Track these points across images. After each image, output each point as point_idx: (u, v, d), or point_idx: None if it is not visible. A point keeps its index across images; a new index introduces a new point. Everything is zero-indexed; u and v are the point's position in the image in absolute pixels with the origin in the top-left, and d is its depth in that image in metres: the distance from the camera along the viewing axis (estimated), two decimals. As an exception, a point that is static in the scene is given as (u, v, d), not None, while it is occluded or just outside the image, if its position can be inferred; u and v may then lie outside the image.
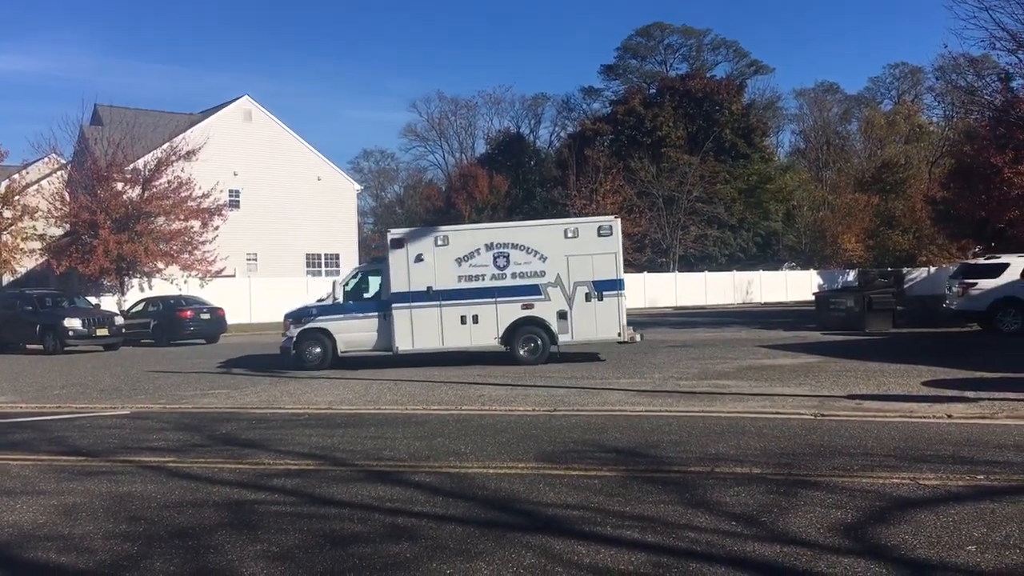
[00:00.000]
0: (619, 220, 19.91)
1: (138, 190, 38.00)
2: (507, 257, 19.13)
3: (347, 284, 20.13)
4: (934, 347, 20.71)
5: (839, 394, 12.94)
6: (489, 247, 19.20)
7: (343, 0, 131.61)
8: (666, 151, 64.96)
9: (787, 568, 5.34)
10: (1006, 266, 23.41)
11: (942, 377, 14.40)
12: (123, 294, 37.83)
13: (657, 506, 6.79)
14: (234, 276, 44.65)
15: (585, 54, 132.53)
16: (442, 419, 11.78)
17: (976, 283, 23.52)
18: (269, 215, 50.32)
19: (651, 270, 57.26)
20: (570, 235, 19.20)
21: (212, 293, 37.18)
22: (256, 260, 50.22)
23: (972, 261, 27.94)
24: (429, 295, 19.11)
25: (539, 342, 19.13)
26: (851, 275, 59.88)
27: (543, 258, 19.10)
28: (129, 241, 36.48)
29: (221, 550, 6.02)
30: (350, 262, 55.19)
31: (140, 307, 33.43)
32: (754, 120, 72.35)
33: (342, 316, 19.70)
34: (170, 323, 31.82)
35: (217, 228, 39.65)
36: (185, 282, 38.05)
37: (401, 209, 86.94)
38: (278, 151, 52.13)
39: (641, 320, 30.96)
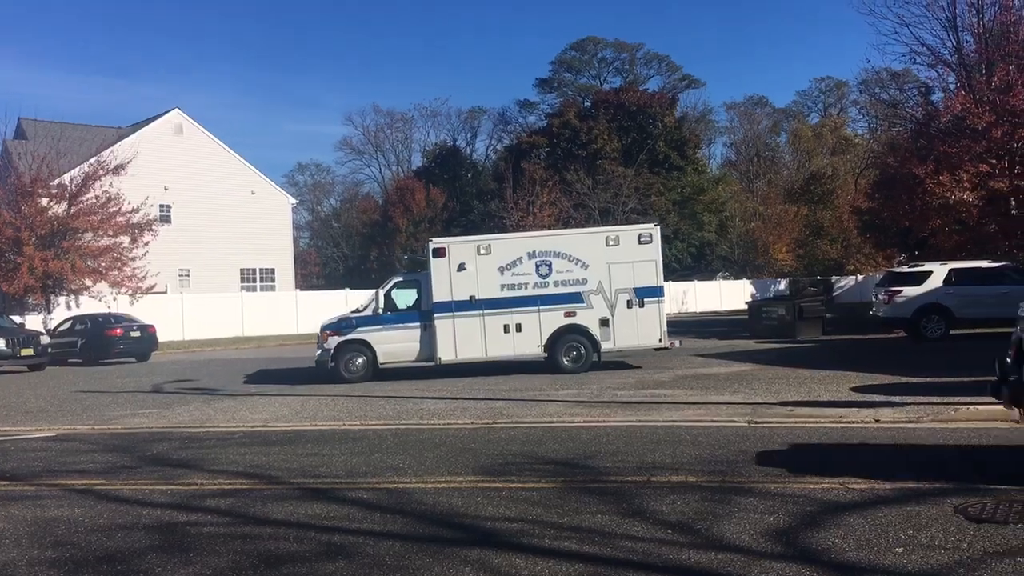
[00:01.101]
0: (659, 228, 20.24)
1: (64, 206, 36.98)
2: (549, 265, 19.25)
3: (386, 294, 19.94)
4: (862, 353, 21.23)
5: (772, 401, 13.18)
6: (531, 255, 19.32)
7: (276, 12, 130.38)
8: (601, 163, 65.64)
9: (722, 574, 5.42)
10: (929, 274, 24.09)
11: (869, 383, 14.76)
12: (49, 312, 36.71)
13: (595, 516, 6.84)
14: (165, 292, 43.75)
15: (520, 68, 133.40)
16: (380, 434, 11.69)
17: (901, 291, 24.14)
18: (202, 230, 49.43)
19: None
20: (611, 243, 19.43)
21: (143, 310, 36.31)
22: (188, 276, 49.26)
23: (897, 269, 28.73)
24: (472, 304, 19.09)
25: (582, 350, 19.15)
26: (782, 284, 61.12)
27: (585, 266, 19.24)
28: (55, 258, 35.49)
29: (151, 574, 5.88)
30: (286, 277, 54.55)
31: (67, 325, 32.46)
32: (687, 133, 73.57)
33: (382, 327, 19.52)
34: (98, 342, 30.96)
35: (147, 244, 38.81)
36: (114, 299, 37.13)
37: (337, 223, 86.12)
38: (210, 165, 51.29)
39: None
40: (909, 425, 10.75)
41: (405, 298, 19.98)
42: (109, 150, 41.23)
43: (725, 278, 67.47)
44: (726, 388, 15.15)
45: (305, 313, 45.00)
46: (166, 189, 47.51)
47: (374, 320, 19.62)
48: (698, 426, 11.23)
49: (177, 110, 51.92)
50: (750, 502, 7.05)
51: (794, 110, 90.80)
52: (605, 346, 19.26)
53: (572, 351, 19.21)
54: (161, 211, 46.39)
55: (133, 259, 38.04)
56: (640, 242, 19.45)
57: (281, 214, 55.51)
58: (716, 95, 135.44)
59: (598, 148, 67.33)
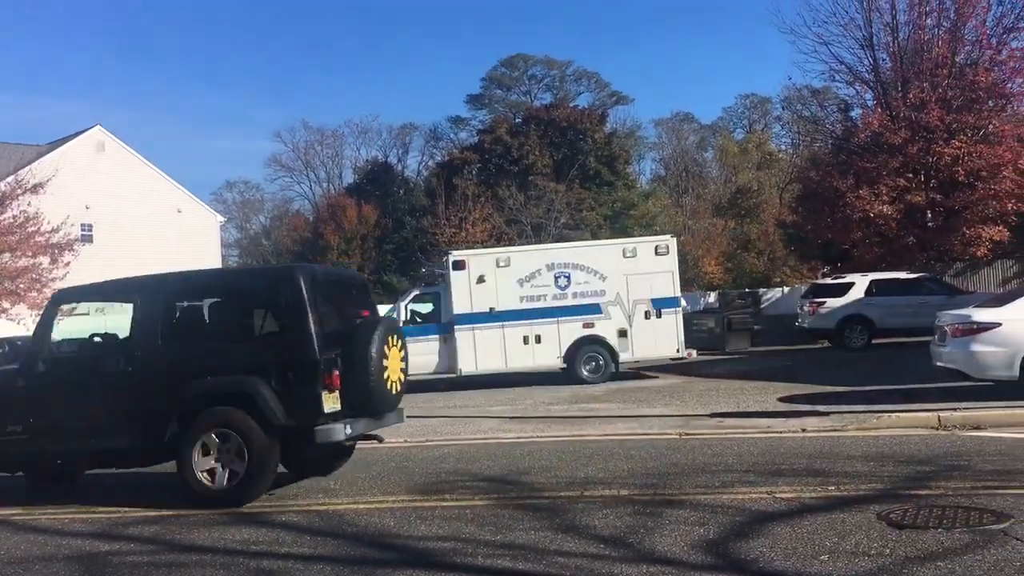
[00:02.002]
0: (675, 239, 20.56)
1: (-21, 226, 35.78)
2: (568, 277, 19.50)
3: (405, 307, 20.00)
4: (789, 364, 21.65)
5: (702, 413, 13.36)
6: (550, 267, 19.58)
7: (200, 28, 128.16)
8: (533, 179, 65.95)
9: (654, 587, 5.45)
10: (851, 285, 24.73)
11: (796, 393, 15.07)
12: (-37, 336, 35.38)
13: (528, 533, 6.82)
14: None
15: (451, 84, 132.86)
16: (311, 455, 11.49)
17: (825, 302, 24.72)
18: (126, 249, 48.12)
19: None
20: (628, 254, 19.71)
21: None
22: (112, 296, 47.95)
23: (820, 281, 29.42)
24: (492, 316, 19.22)
25: (601, 361, 19.32)
26: (712, 297, 61.99)
27: (603, 277, 19.48)
28: (-30, 280, 34.28)
29: (71, 607, 5.68)
30: (214, 296, 53.49)
31: (-17, 350, 31.32)
32: (616, 148, 74.37)
33: None
34: (17, 366, 29.90)
35: (68, 264, 37.65)
36: (34, 322, 35.92)
37: (268, 241, 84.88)
38: (134, 183, 50.14)
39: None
40: (834, 434, 11.01)
41: (423, 311, 20.10)
42: (27, 168, 40.01)
43: (656, 291, 68.21)
44: (658, 400, 15.32)
45: (235, 333, 44.16)
46: (88, 208, 46.26)
47: None
48: (630, 439, 11.32)
49: (99, 127, 50.68)
50: (681, 514, 7.12)
51: (720, 126, 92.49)
52: (623, 356, 19.52)
53: (591, 362, 19.44)
54: (83, 230, 45.14)
55: (54, 280, 36.84)
56: (657, 253, 19.85)
57: (209, 232, 54.55)
58: (644, 111, 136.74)
59: (530, 164, 67.68)
